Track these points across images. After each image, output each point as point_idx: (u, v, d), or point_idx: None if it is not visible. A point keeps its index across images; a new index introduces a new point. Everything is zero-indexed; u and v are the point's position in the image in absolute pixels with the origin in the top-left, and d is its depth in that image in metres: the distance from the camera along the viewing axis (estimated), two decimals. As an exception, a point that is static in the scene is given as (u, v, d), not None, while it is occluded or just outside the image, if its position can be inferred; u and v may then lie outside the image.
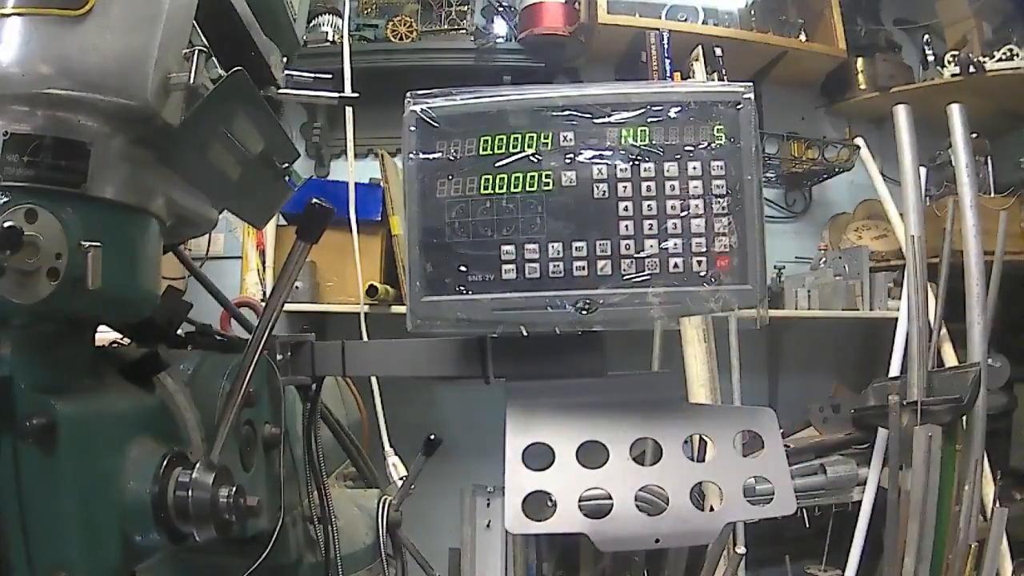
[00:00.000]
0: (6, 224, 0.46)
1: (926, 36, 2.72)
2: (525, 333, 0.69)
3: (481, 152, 0.69)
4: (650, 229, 0.68)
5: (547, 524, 0.68)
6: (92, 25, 0.52)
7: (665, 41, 2.33)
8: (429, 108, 0.70)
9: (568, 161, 0.69)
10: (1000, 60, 2.50)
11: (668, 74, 2.30)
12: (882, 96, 2.62)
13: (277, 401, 0.77)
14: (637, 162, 0.68)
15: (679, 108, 0.69)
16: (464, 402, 2.41)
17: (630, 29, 2.40)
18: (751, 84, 0.70)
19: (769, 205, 2.72)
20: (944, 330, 2.24)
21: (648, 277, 0.67)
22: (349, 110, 2.18)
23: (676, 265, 0.68)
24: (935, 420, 2.02)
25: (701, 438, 0.73)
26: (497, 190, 0.69)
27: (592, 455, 0.70)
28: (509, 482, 0.68)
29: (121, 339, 0.76)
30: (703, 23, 2.48)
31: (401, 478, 1.77)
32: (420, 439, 1.00)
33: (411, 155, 0.70)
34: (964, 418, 2.06)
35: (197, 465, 0.57)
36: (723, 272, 0.68)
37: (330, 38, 2.31)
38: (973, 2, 2.61)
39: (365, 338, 1.97)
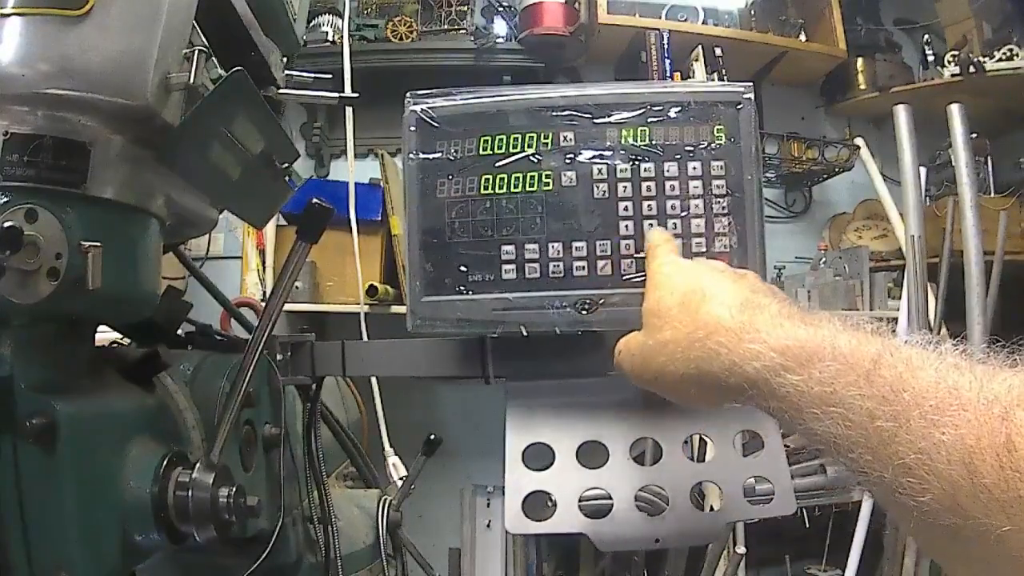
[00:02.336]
0: (6, 224, 0.47)
1: (926, 36, 2.72)
2: (525, 333, 0.69)
3: (481, 152, 0.69)
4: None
5: (547, 524, 0.68)
6: (92, 25, 0.52)
7: (665, 41, 2.33)
8: (429, 108, 0.70)
9: (568, 161, 0.69)
10: (1000, 60, 2.50)
11: (668, 74, 2.30)
12: (882, 96, 2.62)
13: (277, 401, 0.77)
14: (637, 162, 0.68)
15: (679, 108, 0.69)
16: (464, 402, 2.41)
17: (630, 29, 2.40)
18: (751, 84, 0.70)
19: (769, 205, 2.72)
20: (944, 330, 2.24)
21: (648, 277, 0.67)
22: (349, 110, 2.18)
23: (676, 265, 0.68)
24: (935, 420, 2.02)
25: (701, 438, 0.73)
26: (497, 190, 0.69)
27: (592, 455, 0.70)
28: (509, 482, 0.68)
29: (121, 339, 0.76)
30: (703, 23, 2.48)
31: (401, 478, 1.77)
32: (420, 439, 1.00)
33: (411, 155, 0.70)
34: (964, 418, 2.05)
35: (197, 465, 0.57)
36: (723, 272, 0.67)
37: (330, 38, 2.31)
38: (973, 2, 2.61)
39: (365, 338, 1.97)
